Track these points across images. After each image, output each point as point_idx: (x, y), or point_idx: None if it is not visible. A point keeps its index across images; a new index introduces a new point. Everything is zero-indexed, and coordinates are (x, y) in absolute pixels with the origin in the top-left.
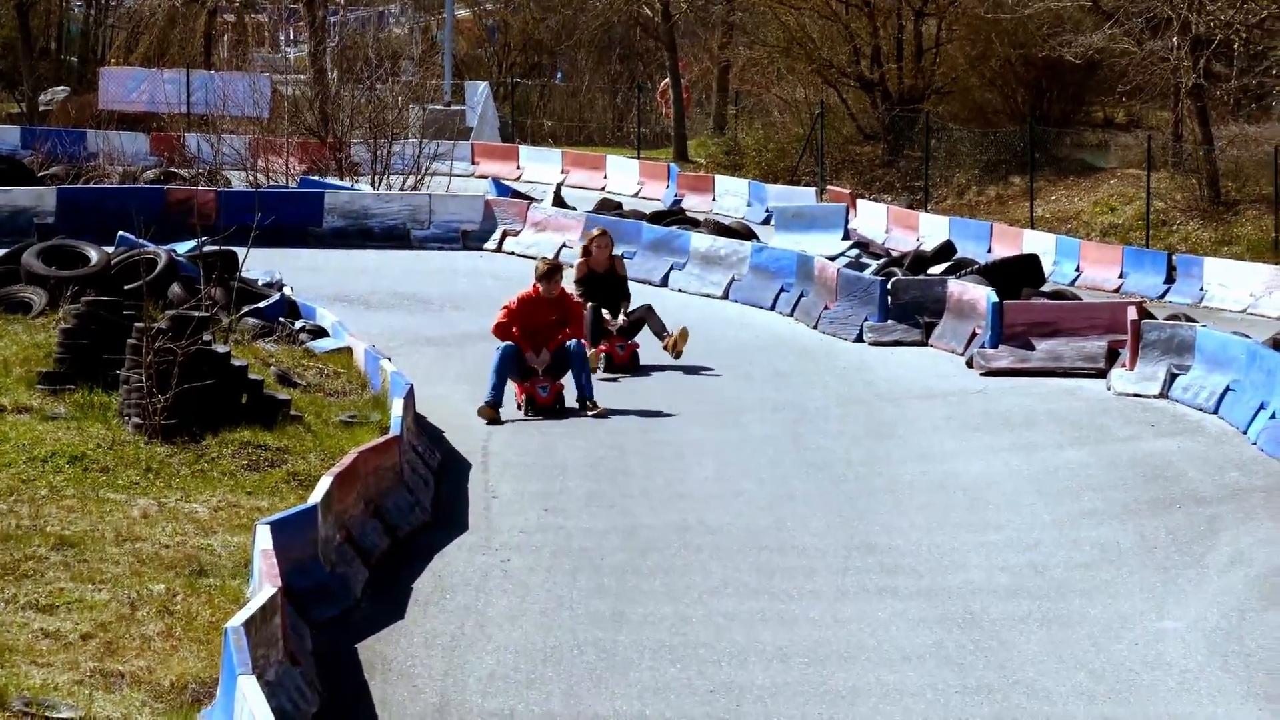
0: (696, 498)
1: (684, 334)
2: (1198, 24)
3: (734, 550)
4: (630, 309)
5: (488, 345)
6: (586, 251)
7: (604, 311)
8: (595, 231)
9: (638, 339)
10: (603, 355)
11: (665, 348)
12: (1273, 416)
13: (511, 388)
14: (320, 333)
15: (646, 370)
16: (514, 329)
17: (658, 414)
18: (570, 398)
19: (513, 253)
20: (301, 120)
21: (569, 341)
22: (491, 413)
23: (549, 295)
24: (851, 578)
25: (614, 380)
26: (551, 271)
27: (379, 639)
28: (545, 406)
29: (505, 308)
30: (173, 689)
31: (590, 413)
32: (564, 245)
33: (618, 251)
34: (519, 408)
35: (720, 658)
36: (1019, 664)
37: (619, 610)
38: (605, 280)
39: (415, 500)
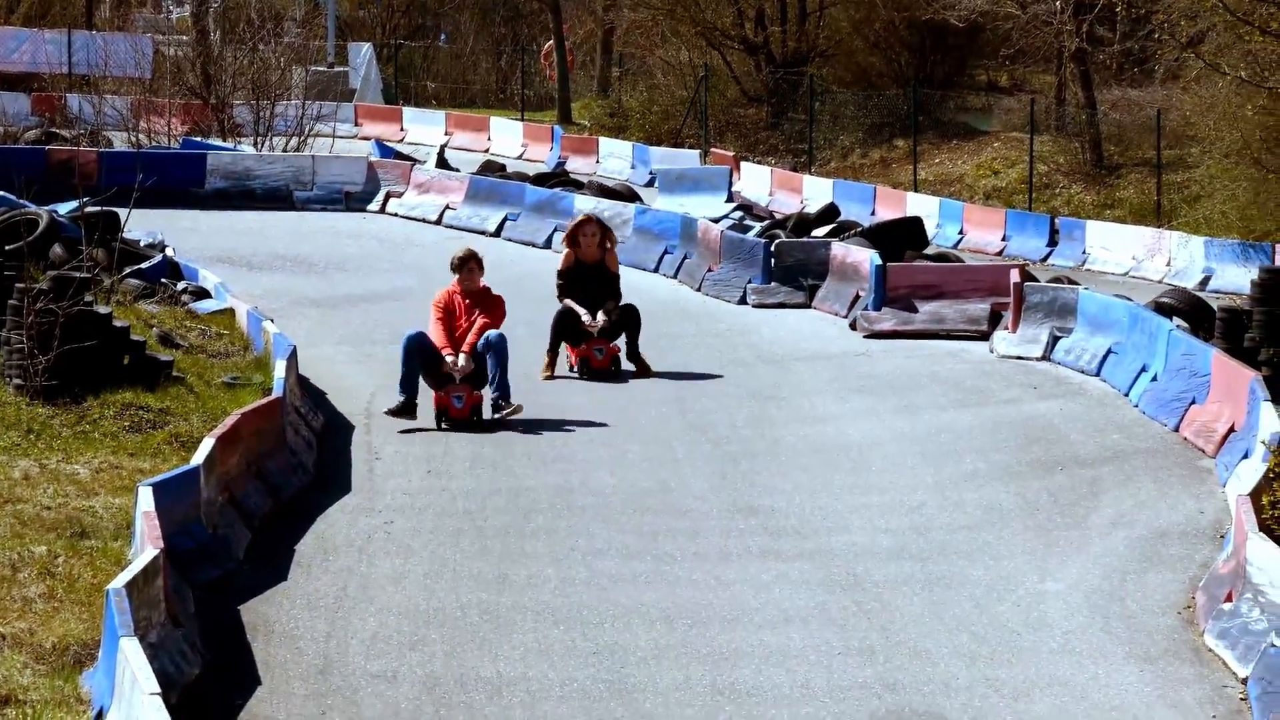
0: (580, 460)
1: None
2: None
3: (617, 512)
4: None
5: (370, 306)
6: (572, 240)
7: (581, 311)
8: (580, 217)
9: (618, 341)
10: (578, 359)
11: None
12: (1154, 379)
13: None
14: (203, 294)
15: (625, 376)
16: (445, 325)
17: (539, 376)
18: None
19: (396, 214)
20: (184, 81)
21: (489, 332)
22: (404, 417)
23: (469, 288)
24: (734, 540)
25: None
26: (465, 260)
27: (262, 600)
28: (460, 419)
29: (434, 306)
30: (54, 650)
31: (500, 413)
32: (447, 207)
33: (498, 213)
34: (434, 416)
35: (604, 620)
36: (901, 625)
37: (502, 572)
38: (593, 275)
39: (298, 462)
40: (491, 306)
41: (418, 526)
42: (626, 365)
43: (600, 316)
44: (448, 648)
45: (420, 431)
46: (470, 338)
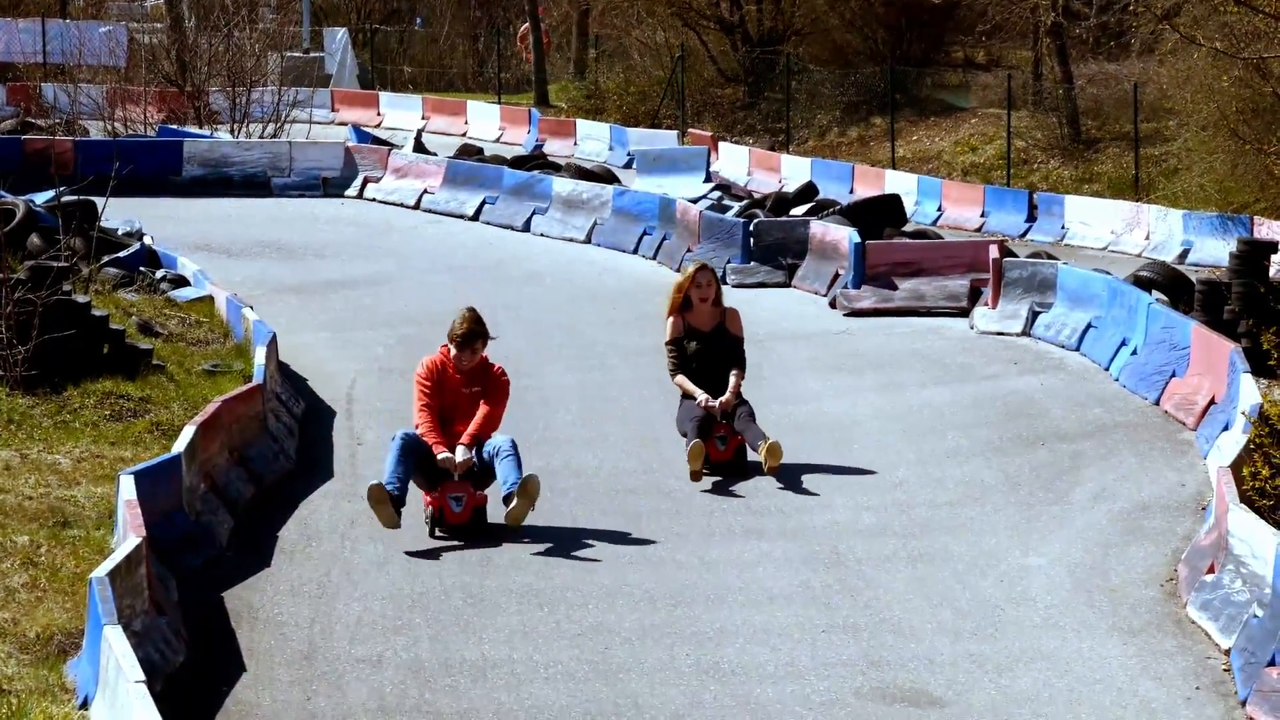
0: (562, 441)
1: (775, 449)
2: None
3: (600, 493)
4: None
5: (350, 292)
6: (684, 302)
7: (698, 393)
8: (693, 267)
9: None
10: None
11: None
12: (1134, 353)
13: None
14: (181, 282)
15: (747, 470)
16: (434, 409)
17: (522, 359)
18: (495, 504)
19: (374, 199)
20: (159, 69)
21: (499, 438)
22: (386, 510)
23: (463, 368)
24: (717, 520)
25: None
26: (470, 338)
27: (245, 587)
28: (460, 525)
29: (418, 381)
30: (38, 640)
31: (511, 507)
32: (425, 191)
33: (476, 197)
34: (425, 521)
35: (588, 600)
36: (885, 602)
37: (485, 555)
38: (712, 342)
39: (280, 448)
40: (494, 389)
41: (401, 511)
42: (751, 455)
43: (728, 395)
44: (432, 631)
45: (400, 415)
46: (472, 428)
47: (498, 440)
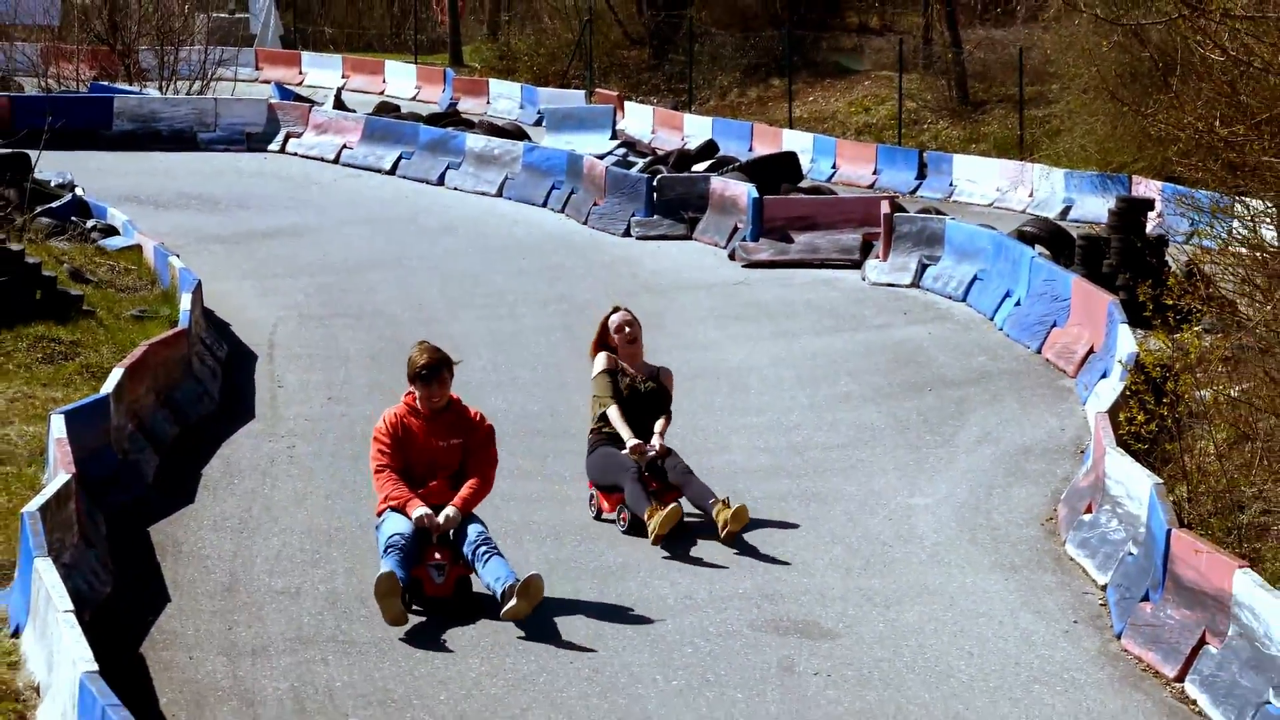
0: (474, 385)
1: (741, 513)
2: None
3: (509, 435)
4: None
5: (272, 242)
6: (603, 344)
7: (632, 440)
8: (616, 317)
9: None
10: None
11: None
12: (1017, 304)
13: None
14: (111, 231)
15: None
16: (396, 469)
17: (436, 307)
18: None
19: (295, 154)
20: (91, 28)
21: (469, 527)
22: (395, 605)
23: (434, 407)
24: None
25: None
26: (435, 368)
27: (170, 523)
28: (440, 599)
29: (376, 439)
30: None
31: (509, 606)
32: (344, 146)
33: (393, 152)
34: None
35: (497, 535)
36: (780, 539)
37: None
38: (641, 388)
39: (204, 390)
40: (479, 445)
41: (319, 450)
42: (692, 512)
43: (656, 442)
44: (348, 565)
45: (320, 359)
46: (465, 493)
47: (472, 533)
